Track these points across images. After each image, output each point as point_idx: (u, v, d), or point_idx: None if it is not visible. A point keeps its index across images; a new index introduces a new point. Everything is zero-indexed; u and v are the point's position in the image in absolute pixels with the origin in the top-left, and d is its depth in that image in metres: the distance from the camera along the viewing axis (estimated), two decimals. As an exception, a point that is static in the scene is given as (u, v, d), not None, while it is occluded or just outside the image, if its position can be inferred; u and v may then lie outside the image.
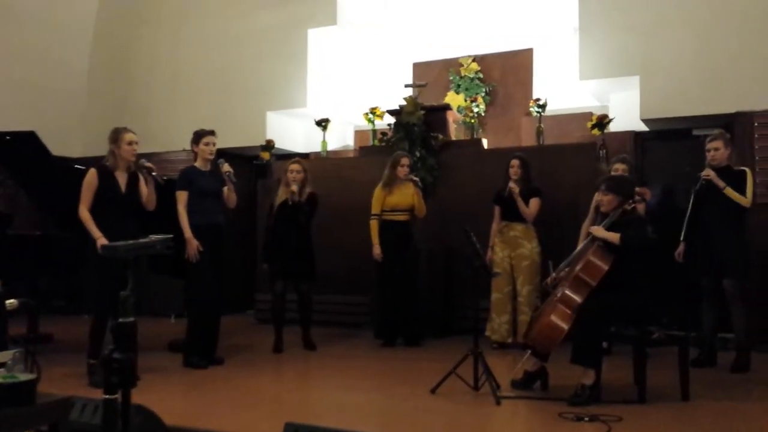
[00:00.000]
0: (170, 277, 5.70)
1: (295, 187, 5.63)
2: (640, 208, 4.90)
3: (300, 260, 5.68)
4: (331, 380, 4.73)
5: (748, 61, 6.08)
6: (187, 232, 4.88)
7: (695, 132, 6.61)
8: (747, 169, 4.84)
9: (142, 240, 2.31)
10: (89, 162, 5.11)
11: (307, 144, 8.42)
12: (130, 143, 4.66)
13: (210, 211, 5.02)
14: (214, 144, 5.07)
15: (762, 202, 5.59)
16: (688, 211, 4.97)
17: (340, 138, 8.46)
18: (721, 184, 4.74)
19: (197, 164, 5.11)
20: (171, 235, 2.37)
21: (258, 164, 7.91)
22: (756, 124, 5.86)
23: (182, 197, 4.97)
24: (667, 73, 6.34)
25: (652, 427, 3.45)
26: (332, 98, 8.30)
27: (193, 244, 4.87)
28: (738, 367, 4.75)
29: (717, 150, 4.84)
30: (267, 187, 7.40)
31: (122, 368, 2.04)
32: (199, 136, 5.08)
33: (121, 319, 2.12)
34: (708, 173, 4.81)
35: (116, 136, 4.67)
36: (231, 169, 5.07)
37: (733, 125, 5.97)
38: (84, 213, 4.52)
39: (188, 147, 5.17)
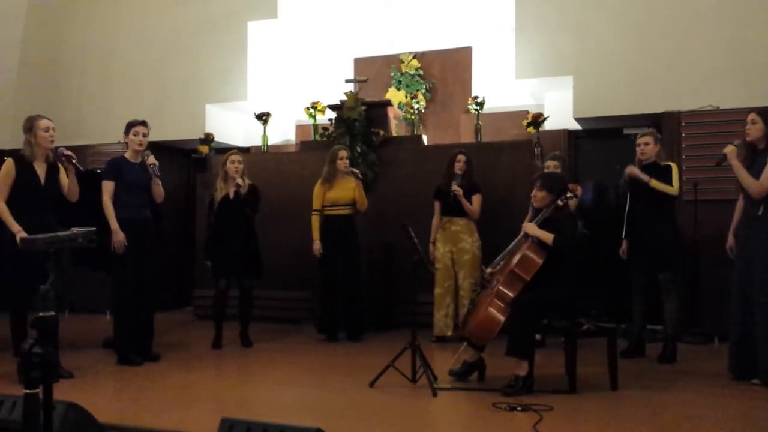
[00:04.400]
0: (91, 270, 5.54)
1: (241, 180, 5.58)
2: (573, 204, 5.08)
3: (246, 257, 5.63)
4: (271, 376, 4.72)
5: (676, 62, 6.35)
6: (114, 224, 4.75)
7: (626, 131, 6.86)
8: (673, 164, 5.06)
9: (63, 233, 2.26)
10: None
11: (247, 138, 8.33)
12: (46, 129, 4.51)
13: (137, 205, 4.91)
14: (144, 135, 4.92)
15: (688, 199, 5.84)
16: (626, 208, 5.17)
17: (281, 132, 8.41)
18: (645, 178, 4.94)
19: (127, 155, 4.99)
20: (94, 228, 2.32)
21: (196, 158, 7.78)
22: (683, 124, 6.12)
23: (108, 187, 4.83)
24: (599, 73, 6.56)
25: (582, 416, 3.58)
26: (273, 92, 8.23)
27: (119, 236, 4.74)
28: (665, 358, 4.96)
29: (647, 145, 5.04)
30: (206, 181, 7.29)
31: (43, 362, 2.01)
32: (130, 126, 4.96)
33: (41, 313, 2.09)
34: (632, 170, 5.01)
35: (30, 124, 4.51)
36: (156, 162, 4.94)
37: (661, 124, 6.22)
38: (0, 205, 4.38)
39: (123, 139, 5.04)
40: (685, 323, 5.62)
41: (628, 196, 5.15)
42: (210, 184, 6.70)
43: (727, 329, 4.51)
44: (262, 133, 7.64)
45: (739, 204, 4.50)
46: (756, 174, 4.22)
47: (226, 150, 6.39)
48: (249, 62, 7.99)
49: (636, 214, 5.10)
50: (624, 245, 5.21)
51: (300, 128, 8.30)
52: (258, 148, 7.79)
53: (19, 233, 4.25)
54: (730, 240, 4.54)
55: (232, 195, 5.62)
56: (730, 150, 4.31)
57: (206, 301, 6.60)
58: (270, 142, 7.77)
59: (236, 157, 5.68)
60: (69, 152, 4.51)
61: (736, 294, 4.32)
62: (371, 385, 4.11)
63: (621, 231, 5.23)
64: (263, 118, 7.57)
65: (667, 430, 3.35)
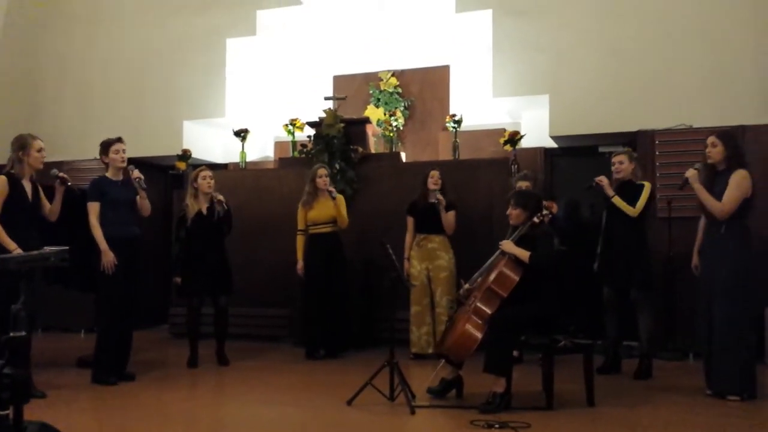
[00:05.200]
0: (80, 292, 5.47)
1: (220, 196, 5.56)
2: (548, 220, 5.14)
3: (219, 273, 5.59)
4: (247, 395, 4.67)
5: (650, 82, 6.47)
6: (103, 244, 4.74)
7: (601, 149, 6.96)
8: (647, 183, 5.14)
9: (35, 252, 2.24)
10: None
11: (225, 155, 8.31)
12: (39, 150, 4.55)
13: (124, 222, 4.90)
14: (124, 151, 4.94)
15: (662, 216, 5.93)
16: (602, 226, 5.23)
17: (260, 149, 8.40)
18: (610, 192, 5.04)
19: (108, 174, 4.97)
20: (67, 247, 2.30)
21: (174, 174, 7.73)
22: (657, 142, 6.23)
23: (94, 208, 4.82)
24: (575, 92, 6.66)
25: (559, 432, 3.60)
26: (252, 109, 8.23)
27: (108, 257, 4.73)
28: (641, 374, 5.01)
29: (621, 164, 5.14)
30: (183, 198, 7.23)
31: (14, 384, 1.99)
32: (107, 145, 4.94)
33: (12, 334, 2.06)
34: (601, 179, 5.09)
35: (24, 143, 4.51)
36: (141, 176, 4.94)
37: (636, 143, 6.32)
38: None
39: (104, 159, 5.01)
40: (660, 339, 5.69)
41: (604, 212, 5.22)
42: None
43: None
44: (241, 149, 7.63)
45: (702, 223, 4.60)
46: (718, 195, 4.31)
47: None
48: (227, 79, 7.99)
49: (610, 230, 5.16)
50: (598, 262, 5.27)
51: (279, 145, 8.30)
52: (236, 164, 7.77)
53: (16, 250, 4.20)
54: (695, 259, 4.62)
55: (205, 211, 5.59)
56: (691, 174, 4.41)
57: (182, 319, 6.51)
58: (248, 159, 7.75)
59: (207, 173, 5.66)
60: (64, 175, 4.64)
61: (703, 311, 4.39)
62: (349, 403, 4.09)
63: (597, 247, 5.29)
64: (241, 134, 7.56)
65: (643, 446, 3.38)
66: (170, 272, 7.49)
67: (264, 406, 4.32)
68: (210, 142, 8.36)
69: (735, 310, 4.23)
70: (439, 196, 5.76)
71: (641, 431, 3.64)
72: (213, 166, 6.91)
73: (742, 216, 4.31)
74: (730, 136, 4.46)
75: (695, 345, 5.35)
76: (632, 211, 5.00)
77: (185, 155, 7.61)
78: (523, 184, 5.57)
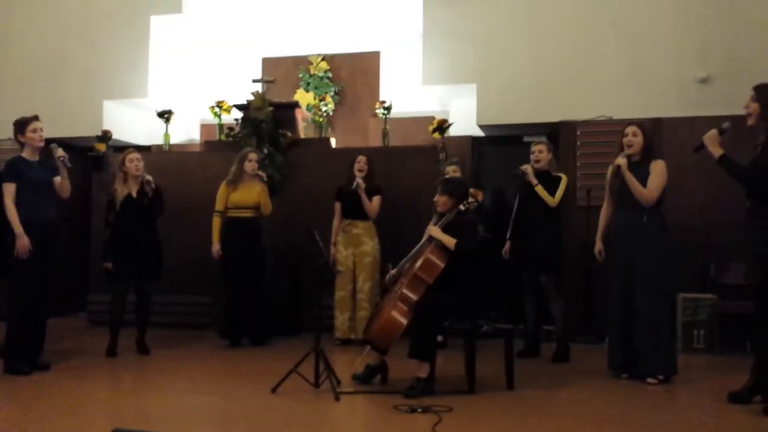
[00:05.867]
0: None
1: (149, 177, 5.39)
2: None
3: (149, 258, 5.44)
4: (170, 384, 4.57)
5: (573, 74, 6.66)
6: (18, 228, 4.53)
7: (525, 139, 7.11)
8: (564, 176, 5.30)
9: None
10: None
11: (148, 136, 8.03)
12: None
13: (41, 204, 4.69)
14: (41, 129, 4.73)
15: (582, 205, 6.13)
16: (514, 211, 5.37)
17: (185, 131, 8.17)
18: (534, 181, 5.17)
19: (25, 154, 4.74)
20: None
21: (93, 156, 7.43)
22: (578, 133, 6.42)
23: (9, 189, 4.60)
24: (502, 82, 6.78)
25: (480, 416, 3.68)
26: (176, 89, 8.00)
27: (23, 241, 4.52)
28: (558, 358, 5.19)
29: (541, 152, 5.28)
30: (102, 181, 6.99)
31: None
32: (22, 124, 4.71)
33: None
34: (526, 167, 5.22)
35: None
36: (65, 154, 4.73)
37: (559, 133, 6.50)
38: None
39: (21, 138, 4.75)
40: (578, 323, 5.89)
41: (517, 198, 5.36)
42: (107, 183, 6.41)
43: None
44: (165, 131, 7.40)
45: (605, 210, 4.75)
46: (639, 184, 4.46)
47: (125, 148, 6.15)
48: (151, 58, 7.73)
49: (522, 217, 5.32)
50: (507, 245, 5.41)
51: (205, 127, 8.11)
52: (160, 147, 7.54)
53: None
54: (599, 245, 4.77)
55: (135, 194, 5.42)
56: (623, 162, 4.51)
57: (102, 306, 6.29)
58: (173, 141, 7.54)
59: (135, 155, 5.49)
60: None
61: (616, 295, 4.56)
62: (273, 390, 4.06)
63: (514, 233, 5.43)
64: (165, 116, 7.34)
65: (561, 428, 3.50)
66: (88, 257, 7.26)
67: (186, 395, 4.24)
68: (132, 123, 8.07)
69: (657, 296, 4.41)
70: (359, 181, 5.75)
71: (557, 413, 3.76)
72: (136, 148, 6.67)
73: (660, 204, 4.49)
74: (648, 127, 4.64)
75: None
76: (552, 201, 5.14)
77: (105, 136, 7.33)
78: (450, 169, 5.66)
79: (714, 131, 3.93)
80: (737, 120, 3.99)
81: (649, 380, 4.38)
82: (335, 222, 5.96)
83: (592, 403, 4.00)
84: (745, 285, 3.96)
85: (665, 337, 4.47)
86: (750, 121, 3.84)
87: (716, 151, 3.88)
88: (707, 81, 6.43)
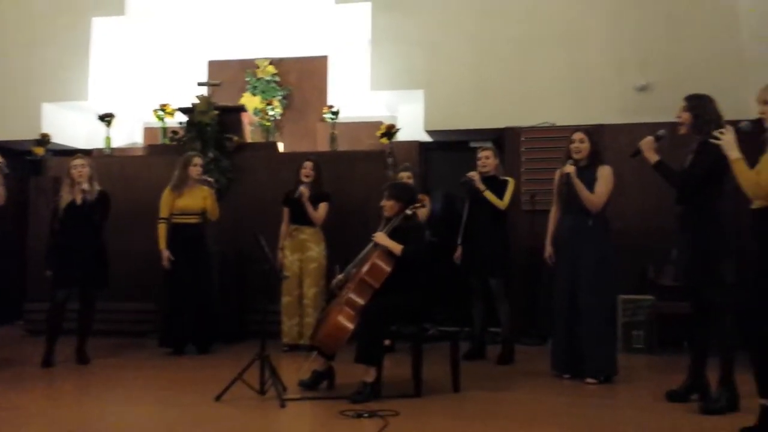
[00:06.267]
0: None
1: (86, 185, 5.23)
2: (423, 212, 5.27)
3: (92, 265, 5.28)
4: (111, 393, 4.44)
5: (518, 81, 6.79)
6: None
7: (472, 144, 7.21)
8: (511, 179, 5.39)
9: None
10: None
11: (89, 140, 7.82)
12: None
13: None
14: None
15: (526, 210, 6.24)
16: (464, 217, 5.43)
17: (128, 135, 8.00)
18: (481, 186, 5.24)
19: None
20: None
21: (31, 160, 7.19)
22: (523, 139, 6.54)
23: None
24: (449, 88, 6.87)
25: (425, 419, 3.69)
26: (119, 92, 7.82)
27: None
28: (503, 359, 5.26)
29: (487, 158, 5.35)
30: (40, 186, 6.77)
31: None
32: None
33: None
34: (473, 175, 5.29)
35: None
36: (2, 159, 4.58)
37: (504, 139, 6.60)
38: None
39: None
40: (522, 326, 5.99)
41: (467, 204, 5.42)
42: (45, 188, 6.23)
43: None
44: (106, 135, 7.21)
45: (553, 215, 4.85)
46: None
47: (64, 152, 6.00)
48: (92, 60, 7.55)
49: (472, 222, 5.39)
50: (459, 251, 5.46)
51: (148, 131, 7.95)
52: (101, 150, 7.34)
53: None
54: (549, 249, 4.84)
55: (79, 201, 5.27)
56: (571, 170, 4.57)
57: (40, 315, 6.06)
58: (114, 145, 7.36)
59: (79, 162, 5.35)
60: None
61: (560, 297, 4.65)
62: (218, 398, 3.99)
63: (457, 239, 5.49)
64: (106, 119, 7.15)
65: (507, 429, 3.54)
66: (25, 264, 7.01)
67: (127, 405, 4.13)
68: (72, 126, 7.86)
69: (601, 299, 4.51)
70: (302, 189, 5.71)
71: (503, 414, 3.81)
72: (75, 152, 6.50)
73: (605, 209, 4.60)
74: (594, 133, 4.74)
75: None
76: (501, 204, 5.22)
77: (44, 140, 7.12)
78: (404, 175, 5.68)
79: (650, 138, 4.04)
80: (675, 127, 4.12)
81: (588, 380, 4.47)
82: (283, 227, 5.91)
83: (537, 403, 4.07)
84: (678, 287, 4.08)
85: (607, 338, 4.58)
86: (682, 130, 3.98)
87: (652, 157, 4.00)
88: (647, 89, 6.65)
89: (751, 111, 3.41)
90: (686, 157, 3.96)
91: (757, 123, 3.40)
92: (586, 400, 4.13)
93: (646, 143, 4.03)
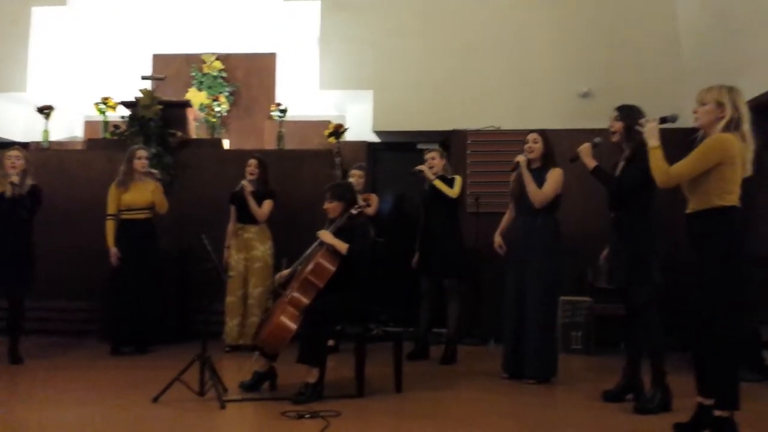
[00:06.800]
0: None
1: (15, 178, 5.04)
2: (370, 211, 5.28)
3: (16, 263, 5.08)
4: (44, 394, 4.29)
5: (465, 85, 6.89)
6: None
7: (419, 146, 7.26)
8: (458, 176, 5.45)
9: None
10: None
11: (26, 132, 7.58)
12: None
13: None
14: None
15: (471, 212, 6.32)
16: (421, 222, 5.46)
17: (67, 128, 7.75)
18: (430, 176, 5.31)
19: None
20: None
21: (-37, 152, 6.90)
22: (469, 141, 6.63)
23: None
24: (397, 90, 6.93)
25: (367, 419, 3.70)
26: (59, 84, 7.58)
27: None
28: (446, 359, 5.31)
29: (434, 159, 5.42)
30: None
31: None
32: None
33: None
34: (422, 167, 5.36)
35: None
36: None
37: (451, 141, 6.67)
38: None
39: None
40: (466, 326, 6.06)
41: (422, 208, 5.47)
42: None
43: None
44: (44, 127, 6.98)
45: (508, 213, 4.93)
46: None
47: (1, 145, 5.77)
48: (31, 50, 7.31)
49: (427, 225, 5.42)
50: (417, 257, 5.50)
51: (89, 125, 7.74)
52: (39, 143, 7.10)
53: None
54: (498, 239, 4.92)
55: (9, 194, 5.07)
56: (522, 160, 4.69)
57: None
58: (53, 138, 7.13)
59: (13, 153, 5.17)
60: None
61: (510, 298, 4.73)
62: (155, 400, 3.91)
63: (415, 238, 5.52)
64: (45, 111, 6.92)
65: (448, 429, 3.57)
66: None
67: (61, 406, 3.99)
68: (9, 118, 7.58)
69: (544, 298, 4.59)
70: (244, 183, 5.66)
71: (445, 414, 3.85)
72: (11, 145, 6.26)
73: (555, 210, 4.69)
74: (547, 136, 4.84)
75: (497, 331, 5.75)
76: (452, 192, 5.28)
77: (-23, 131, 6.83)
78: (356, 173, 5.75)
79: (588, 144, 4.17)
80: (609, 135, 4.24)
81: (528, 380, 4.56)
82: (230, 225, 5.84)
83: (477, 403, 4.13)
84: (612, 289, 4.21)
85: (548, 338, 4.66)
86: (614, 138, 4.11)
87: (590, 163, 4.11)
88: (588, 95, 6.82)
89: (688, 119, 3.53)
90: (617, 164, 4.09)
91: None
92: (526, 399, 4.21)
93: (584, 149, 4.15)
